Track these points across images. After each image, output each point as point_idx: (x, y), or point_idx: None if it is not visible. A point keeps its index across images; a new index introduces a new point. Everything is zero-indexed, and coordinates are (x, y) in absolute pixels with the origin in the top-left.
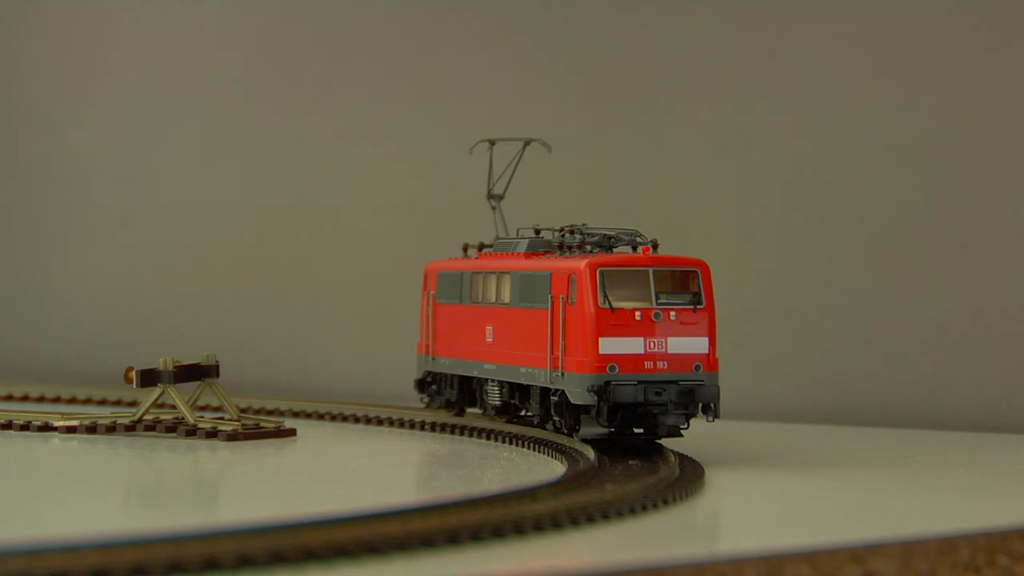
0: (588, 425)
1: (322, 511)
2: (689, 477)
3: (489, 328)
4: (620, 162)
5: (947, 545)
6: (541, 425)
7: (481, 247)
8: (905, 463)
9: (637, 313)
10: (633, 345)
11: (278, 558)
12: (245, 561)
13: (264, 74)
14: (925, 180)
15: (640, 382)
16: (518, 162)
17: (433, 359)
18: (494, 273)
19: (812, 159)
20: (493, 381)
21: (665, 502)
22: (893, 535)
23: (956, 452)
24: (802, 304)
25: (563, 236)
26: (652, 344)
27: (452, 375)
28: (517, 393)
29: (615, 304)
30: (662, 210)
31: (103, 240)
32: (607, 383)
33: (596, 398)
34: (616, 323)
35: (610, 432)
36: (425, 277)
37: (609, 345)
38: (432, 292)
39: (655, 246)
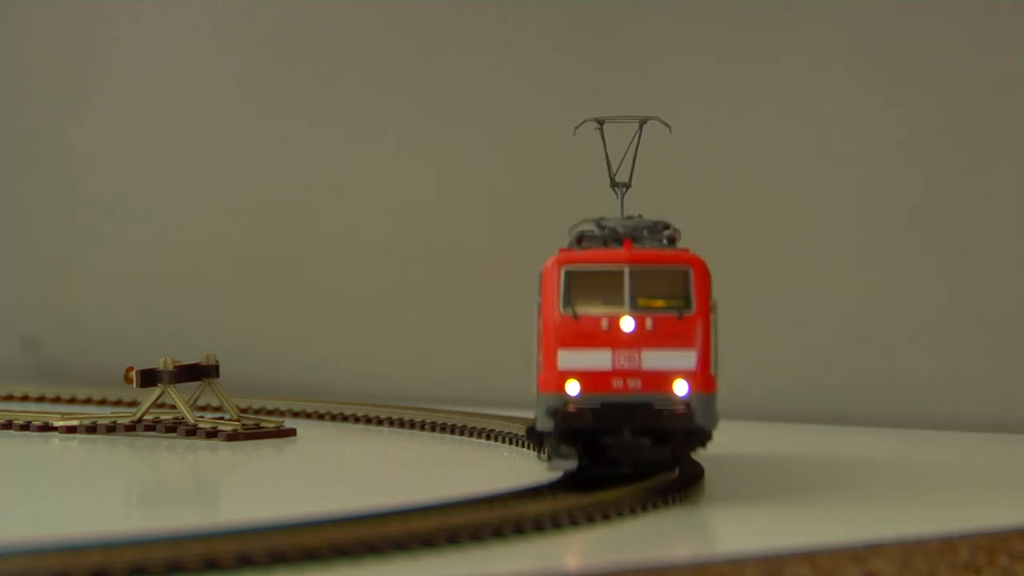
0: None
1: (322, 511)
2: (688, 478)
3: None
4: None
5: (947, 545)
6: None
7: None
8: (905, 463)
9: (604, 321)
10: (598, 359)
11: (278, 558)
12: (245, 561)
13: (264, 74)
14: (925, 180)
15: (604, 404)
16: (638, 143)
17: None
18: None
19: (812, 159)
20: None
21: (665, 502)
22: (893, 535)
23: (956, 452)
24: (802, 304)
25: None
26: (622, 358)
27: None
28: None
29: (580, 309)
30: (670, 209)
31: (103, 240)
32: (565, 404)
33: (552, 423)
34: (579, 333)
35: (580, 464)
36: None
37: (569, 359)
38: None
39: (672, 240)
